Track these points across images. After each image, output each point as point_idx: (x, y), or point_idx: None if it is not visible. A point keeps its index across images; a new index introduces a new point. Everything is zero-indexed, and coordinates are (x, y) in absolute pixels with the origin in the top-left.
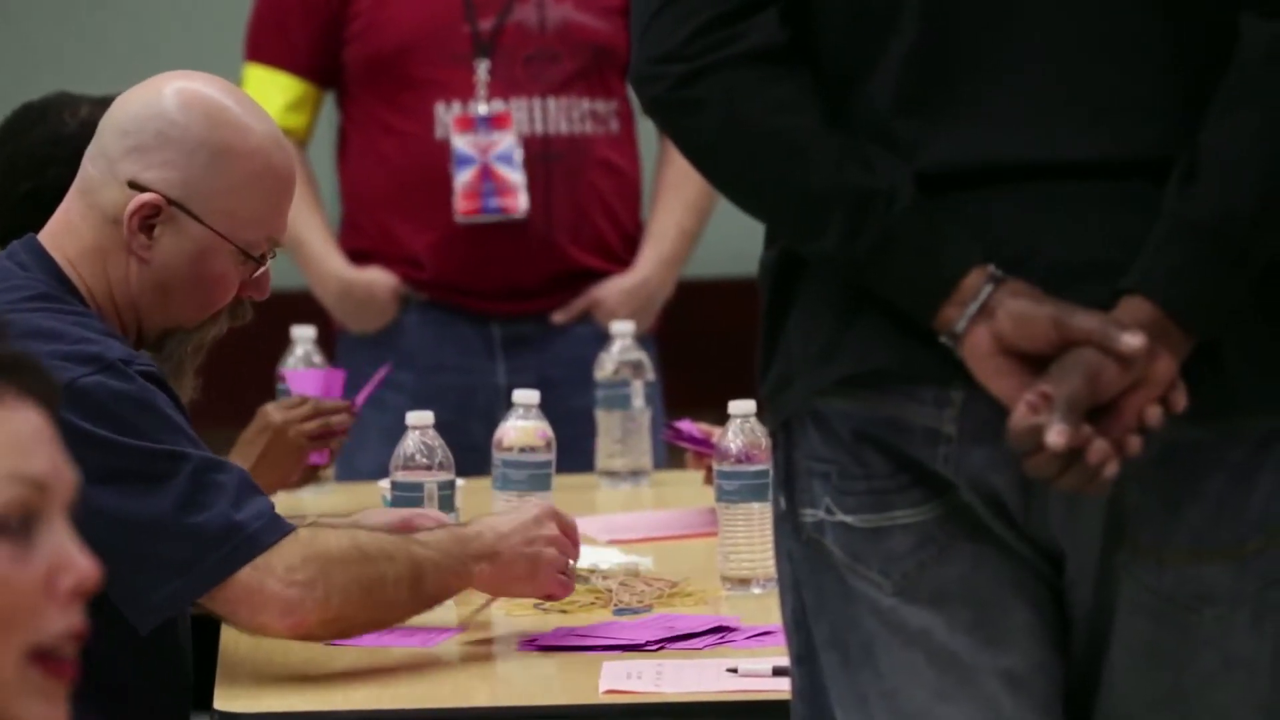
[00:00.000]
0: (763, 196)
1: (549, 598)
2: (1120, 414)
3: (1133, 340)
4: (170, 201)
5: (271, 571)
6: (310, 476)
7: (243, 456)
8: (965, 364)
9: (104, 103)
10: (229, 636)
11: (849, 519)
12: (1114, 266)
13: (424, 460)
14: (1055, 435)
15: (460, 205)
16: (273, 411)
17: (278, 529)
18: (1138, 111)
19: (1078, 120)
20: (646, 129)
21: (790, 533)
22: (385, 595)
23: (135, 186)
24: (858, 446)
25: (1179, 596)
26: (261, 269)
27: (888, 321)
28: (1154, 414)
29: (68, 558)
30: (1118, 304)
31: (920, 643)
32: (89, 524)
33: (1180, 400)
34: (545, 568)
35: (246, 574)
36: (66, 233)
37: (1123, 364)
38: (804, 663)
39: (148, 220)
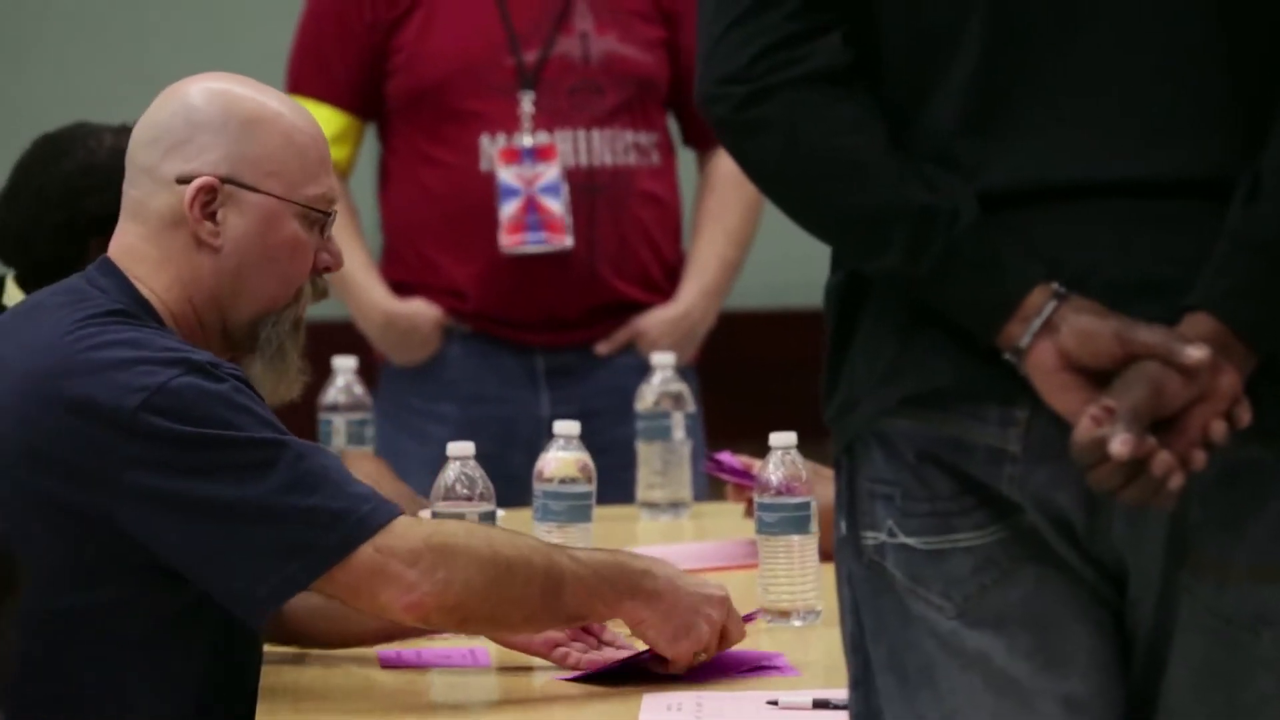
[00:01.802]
0: (825, 215)
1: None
2: (1184, 428)
3: (1196, 352)
4: (223, 180)
5: (394, 553)
6: None
7: None
8: (1029, 380)
9: (124, 130)
10: (270, 665)
11: (911, 541)
12: (1171, 285)
13: (464, 491)
14: (1119, 445)
15: (505, 237)
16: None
17: (388, 510)
18: (1197, 131)
19: (1137, 139)
20: (686, 160)
21: (851, 555)
22: (512, 593)
23: (184, 180)
24: (921, 467)
25: (1238, 617)
26: (328, 232)
27: (951, 341)
28: (1219, 429)
29: None
30: (1181, 320)
31: (979, 666)
32: (194, 520)
33: (1245, 415)
34: (694, 639)
35: (368, 554)
36: (130, 257)
37: (1186, 376)
38: (860, 686)
39: (208, 207)
